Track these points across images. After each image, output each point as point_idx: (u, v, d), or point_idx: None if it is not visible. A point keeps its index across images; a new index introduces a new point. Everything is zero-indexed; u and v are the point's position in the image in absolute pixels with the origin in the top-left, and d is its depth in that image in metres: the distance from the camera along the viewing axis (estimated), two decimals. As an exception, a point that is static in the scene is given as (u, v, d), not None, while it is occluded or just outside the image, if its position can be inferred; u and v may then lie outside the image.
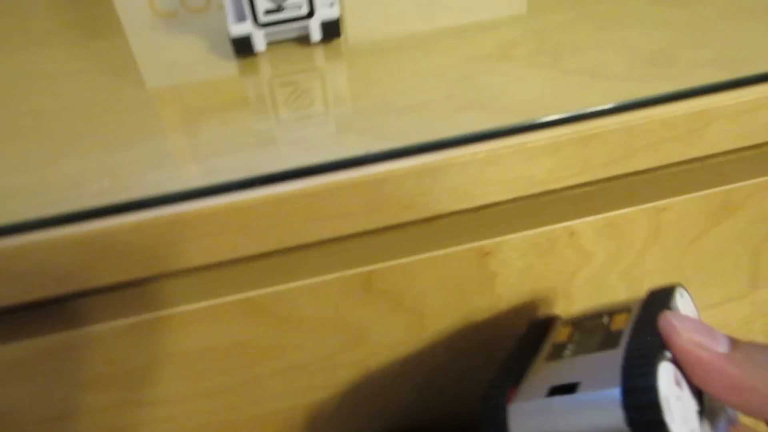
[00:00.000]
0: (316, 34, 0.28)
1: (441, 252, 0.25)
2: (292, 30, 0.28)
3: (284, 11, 0.27)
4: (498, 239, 0.26)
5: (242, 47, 0.28)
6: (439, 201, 0.23)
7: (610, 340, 0.22)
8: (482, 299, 0.27)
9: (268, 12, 0.27)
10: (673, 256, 0.29)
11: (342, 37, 0.29)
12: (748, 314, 0.35)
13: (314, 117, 0.24)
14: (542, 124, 0.23)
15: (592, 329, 0.24)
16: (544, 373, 0.22)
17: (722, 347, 0.19)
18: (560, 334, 0.25)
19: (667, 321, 0.20)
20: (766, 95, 0.24)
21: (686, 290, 0.24)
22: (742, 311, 0.34)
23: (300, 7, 0.27)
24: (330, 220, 0.23)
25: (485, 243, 0.26)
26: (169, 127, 0.25)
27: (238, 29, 0.27)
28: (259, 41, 0.28)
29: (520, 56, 0.27)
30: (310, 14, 0.28)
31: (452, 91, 0.25)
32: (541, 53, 0.27)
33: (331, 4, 0.28)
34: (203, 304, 0.23)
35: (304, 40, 0.29)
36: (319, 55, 0.28)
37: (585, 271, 0.28)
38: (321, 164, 0.22)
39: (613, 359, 0.20)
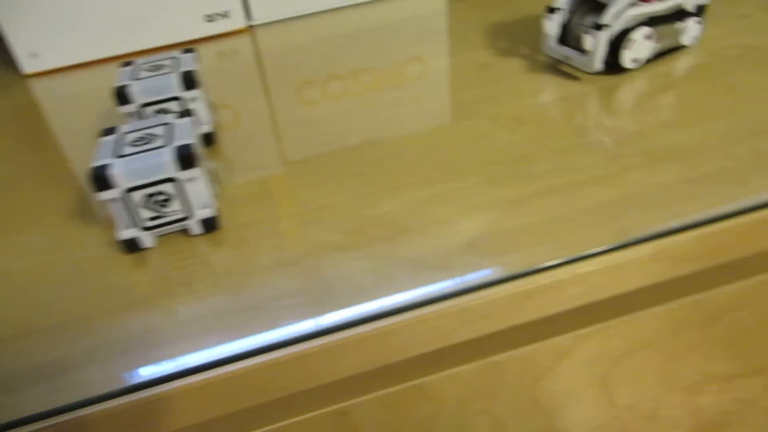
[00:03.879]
0: (196, 230, 0.33)
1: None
2: (177, 227, 0.33)
3: (165, 217, 0.32)
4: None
5: (131, 247, 0.32)
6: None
7: None
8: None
9: (151, 218, 0.32)
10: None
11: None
12: None
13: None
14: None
15: None
16: None
17: None
18: None
19: None
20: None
21: None
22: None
23: (178, 211, 0.32)
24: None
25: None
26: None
27: (126, 234, 0.32)
28: (147, 240, 0.32)
29: (370, 241, 0.31)
30: (189, 216, 0.32)
31: (303, 286, 0.29)
32: (389, 236, 0.32)
33: (208, 206, 0.32)
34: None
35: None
36: (202, 244, 0.33)
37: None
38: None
39: None
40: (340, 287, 0.28)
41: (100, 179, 0.30)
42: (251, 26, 0.61)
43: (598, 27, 0.40)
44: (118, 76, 0.39)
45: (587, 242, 0.29)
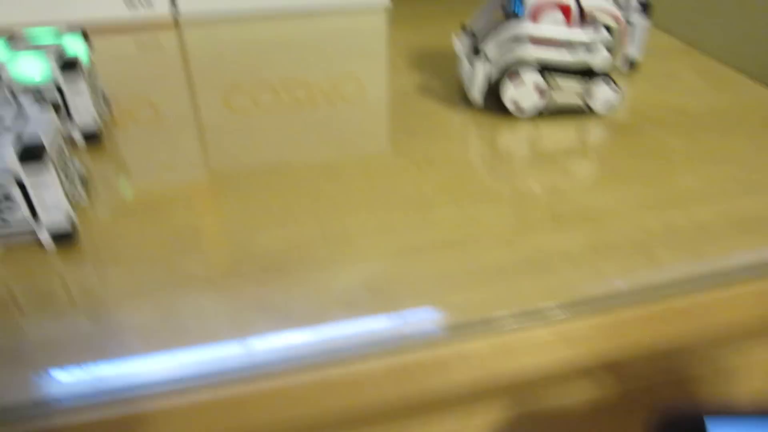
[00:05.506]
0: (47, 242, 0.28)
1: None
2: (26, 238, 0.28)
3: (11, 225, 0.27)
4: None
5: (-35, 251, 0.28)
6: None
7: None
8: None
9: (-11, 221, 0.27)
10: None
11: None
12: None
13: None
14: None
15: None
16: None
17: None
18: None
19: None
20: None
21: None
22: None
23: (24, 219, 0.27)
24: None
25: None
26: None
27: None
28: (-16, 246, 0.28)
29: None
30: (37, 227, 0.28)
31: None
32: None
33: (63, 216, 0.28)
34: None
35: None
36: (52, 259, 0.28)
37: None
38: None
39: None
40: (190, 328, 0.25)
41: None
42: (177, 21, 0.57)
43: (476, 53, 0.37)
44: (-6, 51, 0.34)
45: (477, 307, 0.26)
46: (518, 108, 0.38)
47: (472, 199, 0.33)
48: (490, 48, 0.37)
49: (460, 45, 0.40)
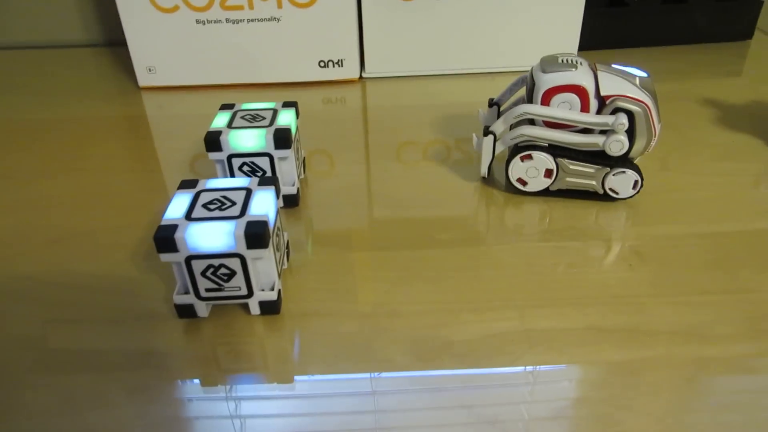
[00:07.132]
0: (255, 310, 0.30)
1: None
2: (236, 302, 0.30)
3: (224, 290, 0.29)
4: None
5: (185, 313, 0.30)
6: None
7: None
8: None
9: (210, 289, 0.29)
10: None
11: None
12: None
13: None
14: None
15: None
16: None
17: None
18: None
19: None
20: None
21: None
22: None
23: (239, 288, 0.29)
24: None
25: None
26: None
27: (181, 299, 0.29)
28: (202, 310, 0.30)
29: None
30: (249, 295, 0.29)
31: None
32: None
33: (272, 288, 0.30)
34: None
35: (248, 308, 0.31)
36: (257, 326, 0.30)
37: None
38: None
39: None
40: (386, 417, 0.25)
41: (165, 241, 0.27)
42: (362, 78, 0.59)
43: (486, 132, 0.38)
44: (216, 118, 0.38)
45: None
46: (524, 184, 0.38)
47: (695, 304, 0.30)
48: (498, 126, 0.37)
49: (481, 118, 0.42)
